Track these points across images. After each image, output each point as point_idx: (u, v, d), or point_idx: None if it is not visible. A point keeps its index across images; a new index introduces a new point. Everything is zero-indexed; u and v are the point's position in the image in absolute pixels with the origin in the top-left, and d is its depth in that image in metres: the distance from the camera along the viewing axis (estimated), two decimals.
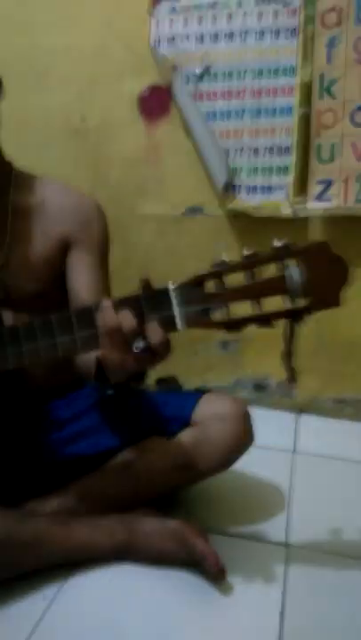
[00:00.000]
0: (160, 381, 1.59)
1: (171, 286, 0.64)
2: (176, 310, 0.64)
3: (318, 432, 1.44)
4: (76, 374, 1.12)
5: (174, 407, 0.99)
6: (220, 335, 1.53)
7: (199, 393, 1.02)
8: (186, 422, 0.97)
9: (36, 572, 0.87)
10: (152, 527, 0.90)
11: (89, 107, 1.47)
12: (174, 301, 0.64)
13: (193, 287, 0.64)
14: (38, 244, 0.96)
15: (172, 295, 0.64)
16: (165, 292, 0.65)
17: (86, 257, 0.97)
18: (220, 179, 1.38)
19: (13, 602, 0.84)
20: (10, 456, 0.95)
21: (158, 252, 1.51)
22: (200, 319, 0.64)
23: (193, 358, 1.57)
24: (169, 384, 1.66)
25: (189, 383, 1.58)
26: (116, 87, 1.44)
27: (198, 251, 1.46)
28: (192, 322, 0.64)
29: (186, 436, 0.96)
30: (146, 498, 0.96)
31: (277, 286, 0.62)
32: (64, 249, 0.97)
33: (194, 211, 1.47)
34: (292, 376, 0.68)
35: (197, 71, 1.36)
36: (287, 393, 1.54)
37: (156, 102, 1.41)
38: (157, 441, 0.96)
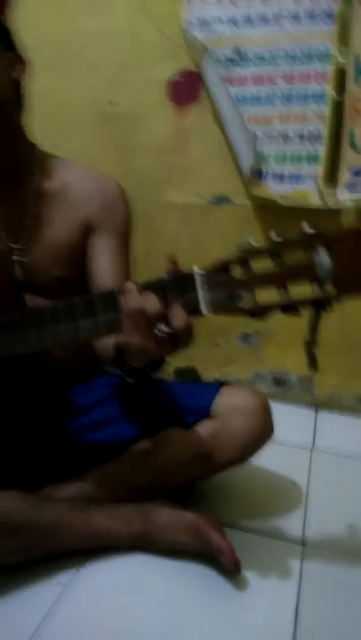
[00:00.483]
0: (179, 372, 1.58)
1: (196, 270, 0.62)
2: (201, 295, 0.62)
3: (338, 429, 1.42)
4: (96, 360, 1.12)
5: (194, 398, 0.98)
6: (241, 328, 1.52)
7: (218, 384, 1.00)
8: (205, 413, 0.95)
9: (50, 558, 0.87)
10: (168, 518, 0.89)
11: (118, 91, 1.46)
12: (199, 286, 0.62)
13: (219, 272, 0.62)
14: (61, 228, 0.95)
15: (198, 279, 0.62)
16: (190, 276, 0.63)
17: (108, 241, 0.95)
18: (247, 163, 1.35)
19: (27, 586, 0.84)
20: (30, 440, 0.94)
21: (183, 241, 1.49)
22: (225, 305, 0.62)
23: (213, 350, 1.55)
24: (188, 375, 1.65)
25: (208, 375, 1.57)
26: (146, 72, 1.42)
27: (224, 240, 1.43)
28: (217, 307, 0.62)
29: (205, 427, 0.94)
30: (163, 488, 0.95)
31: (306, 272, 0.60)
32: (86, 233, 0.96)
33: (221, 200, 1.44)
34: (314, 364, 0.65)
35: (229, 55, 1.33)
36: (307, 388, 1.51)
37: (187, 88, 1.39)
38: (176, 431, 0.95)
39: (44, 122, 0.99)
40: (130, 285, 0.66)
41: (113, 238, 0.96)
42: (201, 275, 0.62)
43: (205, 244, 1.46)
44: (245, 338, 1.53)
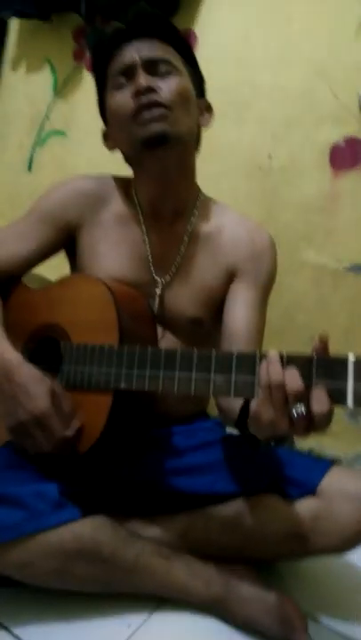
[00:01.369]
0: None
1: (351, 358, 0.60)
2: (350, 385, 0.59)
3: None
4: (202, 405, 1.11)
5: (300, 470, 0.93)
6: None
7: (329, 462, 0.95)
8: (311, 490, 0.90)
9: (125, 596, 0.86)
10: (250, 594, 0.84)
11: (279, 146, 1.48)
12: (350, 375, 0.59)
13: None
14: (206, 271, 0.97)
15: (350, 367, 0.59)
16: (343, 361, 0.60)
17: (248, 291, 0.96)
18: None
19: (97, 624, 0.83)
20: (123, 470, 0.93)
21: (309, 302, 1.45)
22: None
23: None
24: (280, 438, 1.58)
25: (303, 442, 1.49)
26: (312, 132, 1.43)
27: (353, 310, 1.38)
28: None
29: (307, 505, 0.89)
30: (249, 557, 0.90)
31: None
32: (230, 279, 0.97)
33: (358, 268, 1.40)
34: None
35: None
36: None
37: (349, 154, 1.37)
38: (276, 500, 0.90)
39: (201, 163, 1.02)
40: (273, 354, 0.64)
41: (254, 289, 0.96)
42: (355, 362, 0.59)
43: (332, 310, 1.42)
44: (354, 415, 1.45)
